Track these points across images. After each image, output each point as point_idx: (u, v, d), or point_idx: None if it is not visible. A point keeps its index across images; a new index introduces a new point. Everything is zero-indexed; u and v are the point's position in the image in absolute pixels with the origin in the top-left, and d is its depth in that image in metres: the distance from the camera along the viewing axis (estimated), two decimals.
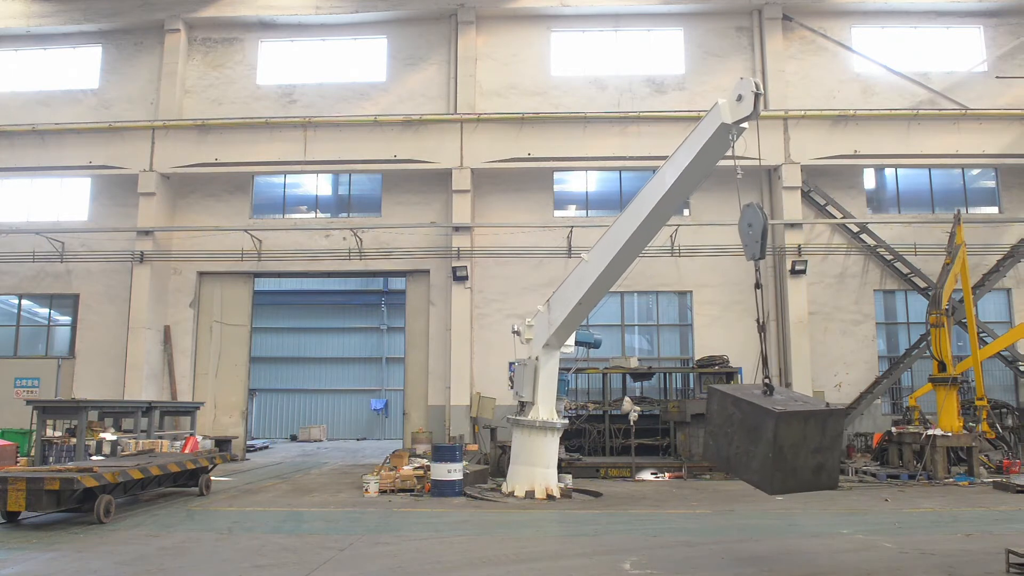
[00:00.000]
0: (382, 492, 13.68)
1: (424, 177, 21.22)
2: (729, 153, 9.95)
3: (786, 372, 19.82)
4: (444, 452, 13.71)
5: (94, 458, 14.55)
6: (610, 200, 21.85)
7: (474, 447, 18.03)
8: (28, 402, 16.48)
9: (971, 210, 21.15)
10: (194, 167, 20.98)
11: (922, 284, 20.06)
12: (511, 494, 13.21)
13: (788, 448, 7.13)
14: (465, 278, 20.10)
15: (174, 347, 21.24)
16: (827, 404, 7.92)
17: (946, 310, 16.37)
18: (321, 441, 31.53)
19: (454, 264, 20.17)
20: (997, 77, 20.96)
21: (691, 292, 20.91)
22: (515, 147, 20.41)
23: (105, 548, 8.73)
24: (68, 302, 21.91)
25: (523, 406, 13.70)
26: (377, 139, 20.68)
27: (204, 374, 21.42)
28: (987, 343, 18.62)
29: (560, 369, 14.18)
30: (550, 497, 13.06)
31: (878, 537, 9.50)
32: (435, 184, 21.17)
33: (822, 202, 20.68)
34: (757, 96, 9.31)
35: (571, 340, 14.16)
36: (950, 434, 15.80)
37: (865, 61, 21.34)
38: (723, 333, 20.50)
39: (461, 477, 13.60)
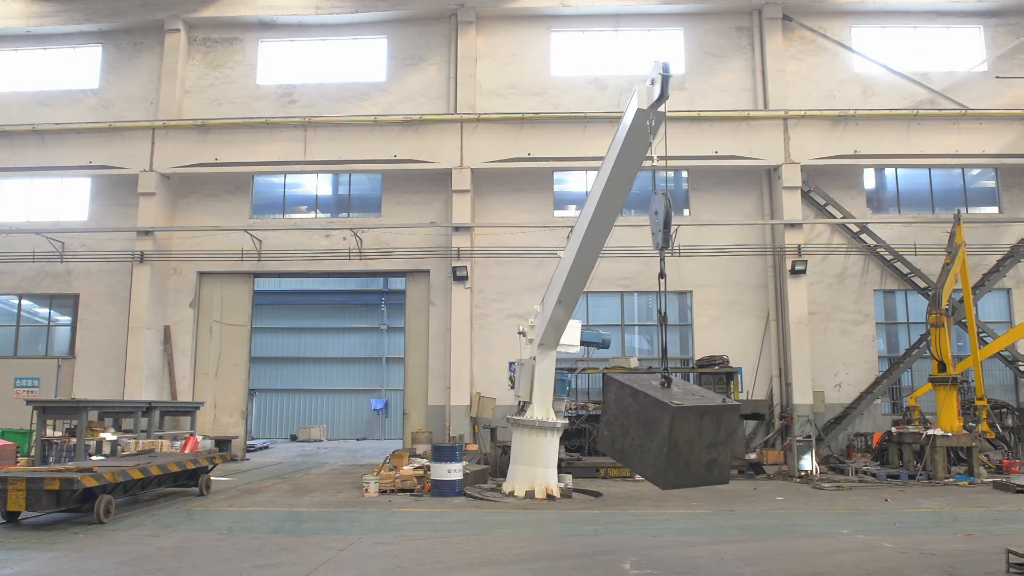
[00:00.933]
0: (382, 492, 13.68)
1: (424, 177, 21.22)
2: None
3: (786, 372, 19.81)
4: (444, 452, 13.71)
5: (94, 458, 14.55)
6: None
7: (474, 447, 18.03)
8: (28, 402, 16.47)
9: (971, 210, 21.15)
10: (194, 167, 20.97)
11: (922, 284, 20.06)
12: (511, 494, 13.20)
13: (683, 443, 7.05)
14: (465, 278, 20.09)
15: (174, 347, 21.24)
16: (724, 399, 7.80)
17: (946, 310, 16.37)
18: (321, 441, 31.53)
19: (454, 264, 20.17)
20: (997, 77, 20.96)
21: (691, 292, 20.91)
22: (515, 147, 20.41)
23: (105, 548, 8.74)
24: (68, 302, 21.90)
25: (523, 406, 13.71)
26: (377, 139, 20.68)
27: (204, 374, 21.42)
28: (987, 343, 18.63)
29: (561, 369, 14.18)
30: (550, 497, 13.06)
31: (878, 537, 9.50)
32: (435, 184, 21.17)
33: (822, 202, 20.68)
34: (665, 79, 9.17)
35: (575, 339, 14.04)
36: (950, 434, 15.81)
37: (865, 61, 21.34)
38: (723, 333, 20.50)
39: (461, 477, 13.59)
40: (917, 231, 20.51)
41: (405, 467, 14.71)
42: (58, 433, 16.56)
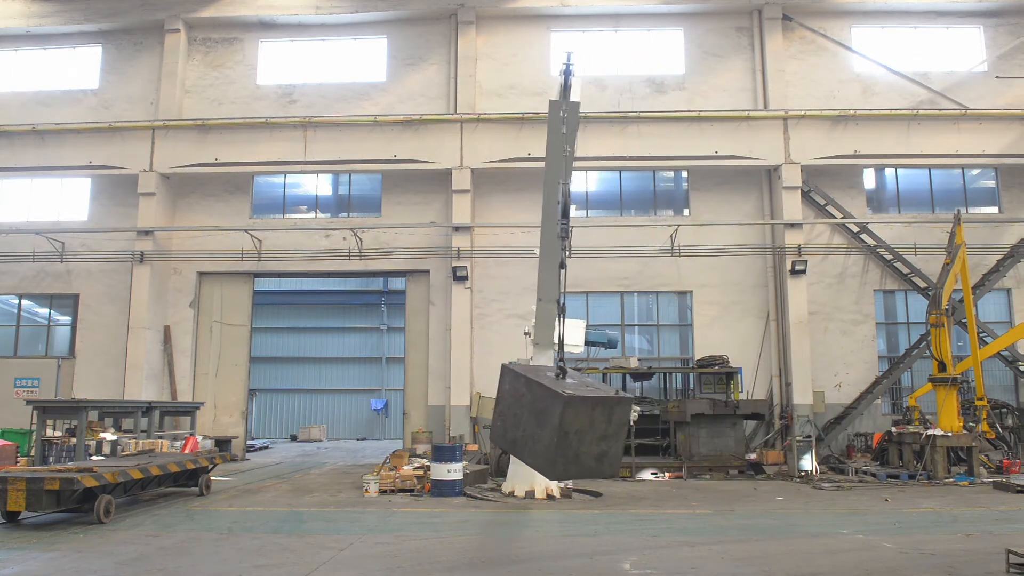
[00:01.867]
0: (382, 492, 13.69)
1: (424, 177, 21.21)
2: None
3: (786, 372, 19.81)
4: (444, 452, 13.72)
5: (94, 458, 14.55)
6: (610, 200, 21.84)
7: (474, 447, 18.04)
8: (28, 402, 16.46)
9: (971, 210, 21.14)
10: (194, 167, 20.97)
11: (922, 284, 20.05)
12: (511, 494, 13.21)
13: (574, 434, 6.98)
14: (465, 278, 20.09)
15: (174, 347, 21.23)
16: (616, 391, 7.80)
17: (946, 310, 16.37)
18: (321, 441, 31.53)
19: (454, 264, 20.16)
20: (997, 77, 20.95)
21: (691, 292, 20.90)
22: (515, 147, 20.40)
23: (105, 548, 8.73)
24: (68, 302, 21.90)
25: None
26: (377, 139, 20.67)
27: (204, 374, 21.42)
28: (987, 343, 18.62)
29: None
30: (550, 497, 13.06)
31: (878, 537, 9.50)
32: (435, 184, 21.17)
33: (822, 202, 20.67)
34: (567, 69, 9.54)
35: (578, 339, 14.03)
36: (950, 434, 15.81)
37: (865, 61, 21.33)
38: (723, 333, 20.50)
39: (461, 477, 13.60)
40: (917, 231, 20.50)
41: (405, 467, 14.72)
42: (58, 433, 16.55)
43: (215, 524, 10.50)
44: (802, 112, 20.28)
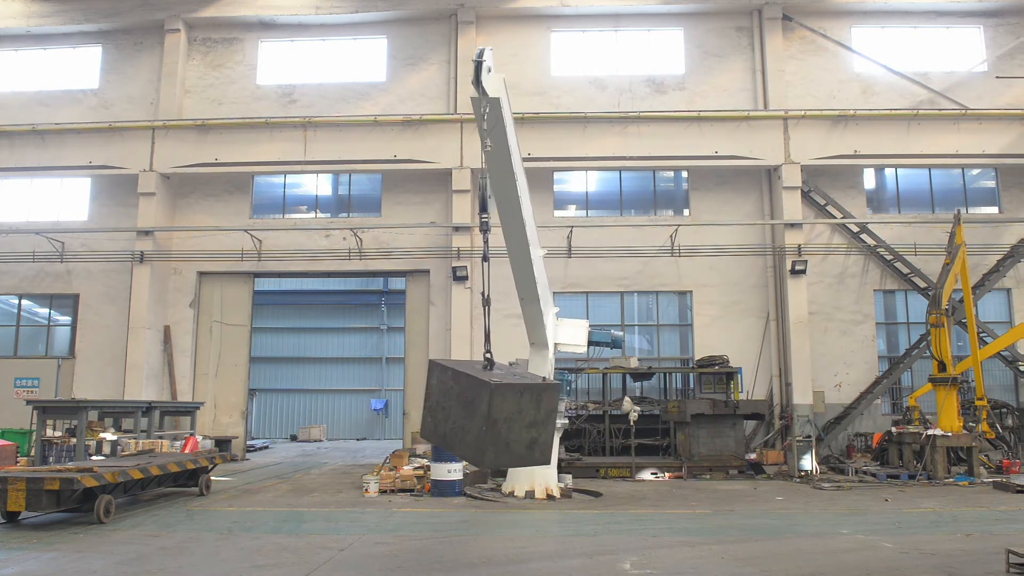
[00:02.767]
0: (382, 492, 13.69)
1: (424, 177, 21.21)
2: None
3: (786, 372, 19.82)
4: (444, 452, 13.68)
5: (94, 458, 14.55)
6: (610, 200, 21.84)
7: None
8: (28, 402, 16.46)
9: (971, 210, 21.14)
10: (194, 167, 20.97)
11: (922, 284, 20.05)
12: (511, 494, 13.21)
13: (502, 422, 7.01)
14: (465, 278, 20.08)
15: (174, 347, 21.23)
16: (544, 378, 7.82)
17: (946, 310, 16.37)
18: (321, 441, 31.53)
19: (454, 264, 20.16)
20: (997, 77, 20.95)
21: (691, 292, 20.90)
22: None
23: (105, 548, 8.73)
24: (68, 302, 21.90)
25: None
26: (377, 139, 20.67)
27: (204, 374, 21.42)
28: (987, 343, 18.62)
29: (562, 369, 14.19)
30: (550, 497, 13.06)
31: (878, 537, 9.50)
32: (435, 184, 21.17)
33: (822, 202, 20.68)
34: (476, 64, 9.72)
35: (580, 339, 14.00)
36: (950, 434, 15.81)
37: (865, 61, 21.33)
38: (723, 333, 20.50)
39: (461, 477, 13.60)
40: (917, 231, 20.51)
41: (405, 467, 14.72)
42: (58, 433, 16.56)
43: (215, 524, 10.50)
44: (802, 112, 20.28)
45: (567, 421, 14.27)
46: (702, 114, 20.36)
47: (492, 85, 10.06)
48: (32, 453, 16.24)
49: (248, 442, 23.21)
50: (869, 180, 21.57)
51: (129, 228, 21.04)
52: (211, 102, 21.88)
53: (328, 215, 22.23)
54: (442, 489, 13.33)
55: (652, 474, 16.50)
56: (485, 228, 8.40)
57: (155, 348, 20.78)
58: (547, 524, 10.82)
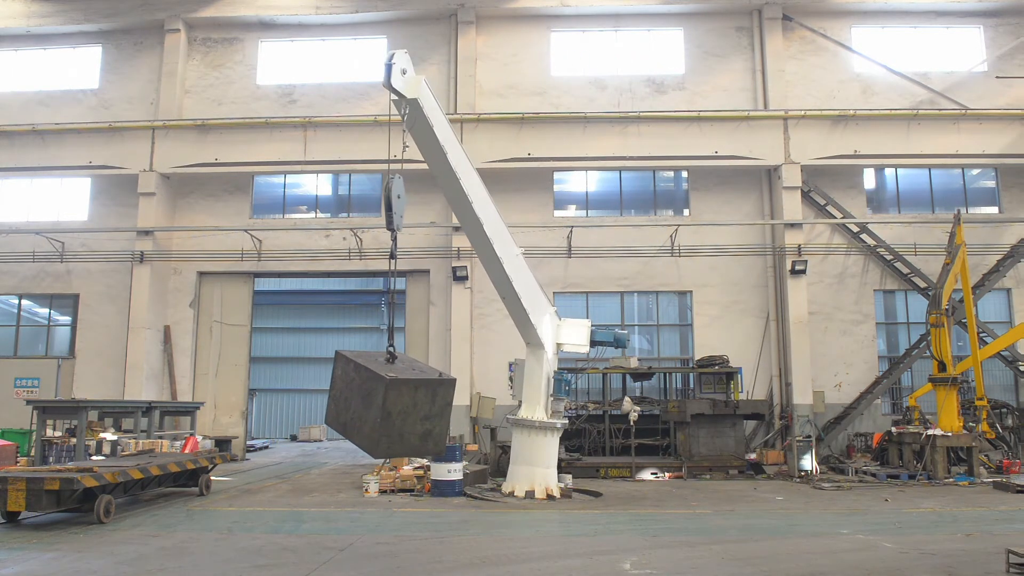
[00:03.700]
0: (382, 492, 13.69)
1: (424, 177, 21.02)
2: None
3: (786, 372, 19.81)
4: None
5: (94, 458, 14.55)
6: (610, 200, 21.84)
7: (474, 447, 18.03)
8: (28, 402, 16.46)
9: (971, 210, 21.14)
10: (194, 167, 20.97)
11: (922, 284, 20.05)
12: (511, 494, 13.21)
13: (397, 414, 7.39)
14: (465, 278, 20.09)
15: (174, 347, 21.23)
16: (440, 374, 8.25)
17: (946, 310, 16.37)
18: (321, 441, 31.51)
19: (454, 264, 20.16)
20: (997, 77, 20.95)
21: (691, 292, 20.90)
22: (515, 147, 20.40)
23: (105, 548, 8.73)
24: (68, 302, 21.90)
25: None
26: (377, 139, 20.59)
27: (204, 374, 21.42)
28: (987, 343, 18.62)
29: (562, 369, 14.18)
30: (550, 497, 13.06)
31: (878, 537, 9.50)
32: (434, 184, 21.05)
33: (822, 202, 20.68)
34: (386, 67, 10.69)
35: (582, 339, 13.95)
36: (950, 434, 15.81)
37: (865, 61, 21.33)
38: (723, 333, 20.50)
39: (461, 477, 13.60)
40: (917, 231, 20.50)
41: (405, 467, 14.72)
42: (58, 433, 16.57)
43: (215, 524, 10.50)
44: (802, 112, 20.28)
45: (567, 421, 14.26)
46: (702, 114, 20.36)
47: (409, 86, 10.48)
48: (32, 453, 16.25)
49: (248, 442, 23.21)
50: (869, 180, 21.57)
51: (129, 228, 21.04)
52: (211, 102, 21.88)
53: (328, 215, 22.22)
54: (442, 489, 13.33)
55: (652, 474, 16.50)
56: (388, 224, 9.39)
57: (155, 348, 20.78)
58: (547, 524, 10.82)
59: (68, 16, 22.01)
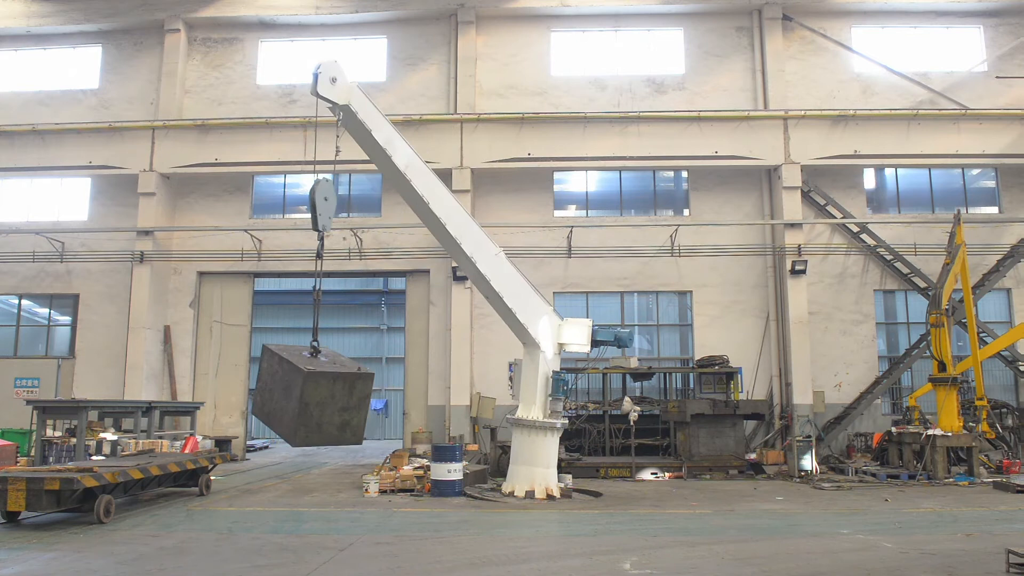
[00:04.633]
0: (382, 492, 13.68)
1: None
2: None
3: (786, 372, 19.81)
4: (444, 452, 13.71)
5: (94, 458, 14.55)
6: (610, 200, 21.84)
7: (474, 447, 18.03)
8: (28, 402, 16.47)
9: (971, 210, 21.14)
10: (194, 167, 20.97)
11: (922, 284, 20.05)
12: (511, 494, 13.20)
13: (315, 405, 7.83)
14: (465, 278, 20.05)
15: (174, 347, 21.23)
16: (359, 368, 8.69)
17: (946, 310, 16.36)
18: None
19: (454, 264, 20.14)
20: (997, 77, 20.96)
21: (691, 292, 20.90)
22: (515, 147, 20.40)
23: (105, 548, 8.73)
24: (68, 302, 21.90)
25: None
26: None
27: (204, 374, 21.42)
28: (987, 343, 18.62)
29: (564, 369, 14.18)
30: (550, 497, 13.06)
31: (878, 537, 9.50)
32: None
33: (822, 202, 20.68)
34: (314, 75, 11.22)
35: (583, 339, 13.93)
36: (950, 434, 15.81)
37: (865, 61, 21.33)
38: (723, 333, 20.50)
39: (461, 477, 13.60)
40: (917, 231, 20.50)
41: (405, 467, 14.72)
42: (58, 433, 16.57)
43: (215, 524, 10.50)
44: (802, 112, 20.28)
45: (567, 421, 14.26)
46: (702, 114, 20.35)
47: (339, 94, 10.79)
48: (32, 453, 16.25)
49: (248, 442, 23.19)
50: (869, 180, 21.57)
51: (129, 228, 21.04)
52: (211, 102, 21.88)
53: None
54: (442, 489, 13.33)
55: (652, 474, 16.50)
56: (314, 225, 9.87)
57: (155, 348, 20.78)
58: (547, 524, 10.82)
59: (68, 16, 22.02)
